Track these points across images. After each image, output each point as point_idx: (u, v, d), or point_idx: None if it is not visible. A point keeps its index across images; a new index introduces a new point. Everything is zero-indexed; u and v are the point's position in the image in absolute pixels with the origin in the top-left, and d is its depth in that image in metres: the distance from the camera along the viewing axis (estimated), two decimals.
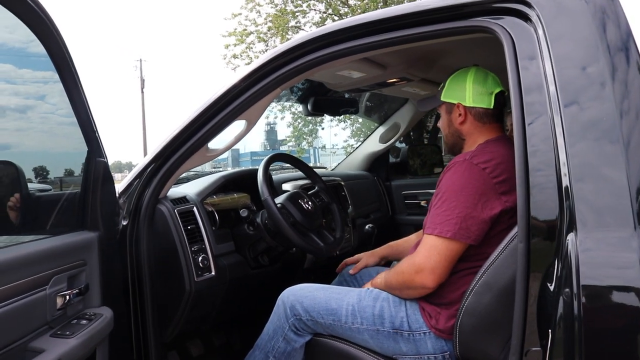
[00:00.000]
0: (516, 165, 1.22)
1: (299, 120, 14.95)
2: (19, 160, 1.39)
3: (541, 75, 1.21)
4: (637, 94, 1.14)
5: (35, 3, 1.26)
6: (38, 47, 1.35)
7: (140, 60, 30.57)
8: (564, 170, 1.13)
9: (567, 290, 1.07)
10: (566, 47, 1.20)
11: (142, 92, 30.44)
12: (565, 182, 1.13)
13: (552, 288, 1.12)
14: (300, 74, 1.65)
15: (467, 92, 1.72)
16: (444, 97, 1.77)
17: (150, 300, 1.80)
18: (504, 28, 1.29)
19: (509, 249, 1.38)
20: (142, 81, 30.44)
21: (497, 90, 1.71)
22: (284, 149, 18.15)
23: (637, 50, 1.15)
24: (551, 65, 1.19)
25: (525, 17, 1.27)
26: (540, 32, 1.23)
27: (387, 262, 2.22)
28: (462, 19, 1.38)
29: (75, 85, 1.44)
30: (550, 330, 1.10)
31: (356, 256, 2.22)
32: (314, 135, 16.18)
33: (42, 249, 1.35)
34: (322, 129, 15.93)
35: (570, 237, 1.09)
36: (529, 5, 1.25)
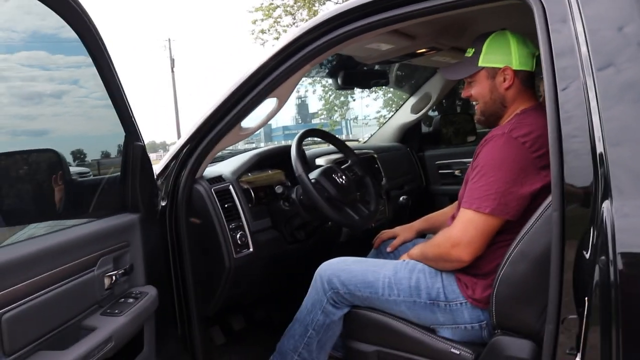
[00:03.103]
0: (549, 133, 1.20)
1: (329, 93, 14.87)
2: (57, 144, 1.42)
3: (573, 38, 1.18)
4: None
5: None
6: (69, 33, 1.36)
7: (169, 40, 30.83)
8: (597, 135, 1.11)
9: (602, 257, 1.06)
10: (599, 7, 1.16)
11: (172, 71, 30.73)
12: (599, 148, 1.10)
13: (587, 256, 1.11)
14: (329, 49, 1.65)
15: (513, 54, 1.67)
16: (484, 63, 1.71)
17: (192, 277, 1.85)
18: None
19: (543, 218, 1.37)
20: (172, 61, 30.70)
21: (537, 52, 1.66)
22: (315, 122, 18.10)
23: None
24: (583, 27, 1.16)
25: None
26: None
27: (422, 235, 2.22)
28: None
29: (110, 71, 1.46)
30: (586, 298, 1.10)
31: (393, 230, 2.20)
32: (345, 107, 16.10)
33: (88, 232, 1.41)
34: (354, 100, 15.82)
35: (606, 204, 1.07)
36: None
